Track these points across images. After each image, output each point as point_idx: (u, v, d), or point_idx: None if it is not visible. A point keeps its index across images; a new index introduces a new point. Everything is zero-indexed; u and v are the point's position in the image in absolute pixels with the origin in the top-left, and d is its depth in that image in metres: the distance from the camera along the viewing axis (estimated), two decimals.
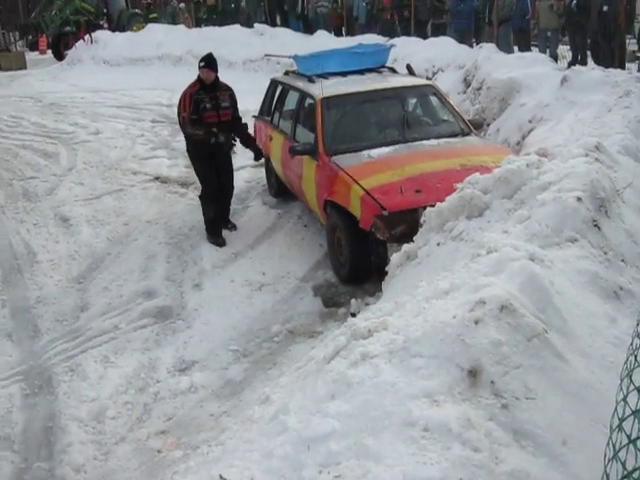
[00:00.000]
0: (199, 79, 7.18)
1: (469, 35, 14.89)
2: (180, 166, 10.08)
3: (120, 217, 8.35)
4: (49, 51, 27.62)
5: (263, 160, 8.86)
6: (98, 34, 24.08)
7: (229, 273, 6.67)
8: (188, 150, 7.54)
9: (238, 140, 7.53)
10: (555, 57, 12.21)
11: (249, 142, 7.75)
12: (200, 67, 7.21)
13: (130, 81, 18.17)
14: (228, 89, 7.34)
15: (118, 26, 26.40)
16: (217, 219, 7.49)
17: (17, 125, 14.01)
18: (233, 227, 7.67)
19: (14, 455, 4.36)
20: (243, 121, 7.61)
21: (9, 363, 5.38)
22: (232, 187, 7.70)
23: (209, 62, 7.18)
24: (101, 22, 27.32)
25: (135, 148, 11.56)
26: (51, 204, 8.92)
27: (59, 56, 25.56)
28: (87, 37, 23.65)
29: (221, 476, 2.63)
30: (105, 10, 27.34)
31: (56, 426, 4.59)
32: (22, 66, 24.92)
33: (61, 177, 10.08)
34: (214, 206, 7.41)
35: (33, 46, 30.27)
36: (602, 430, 2.45)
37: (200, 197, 7.56)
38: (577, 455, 2.45)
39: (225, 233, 7.46)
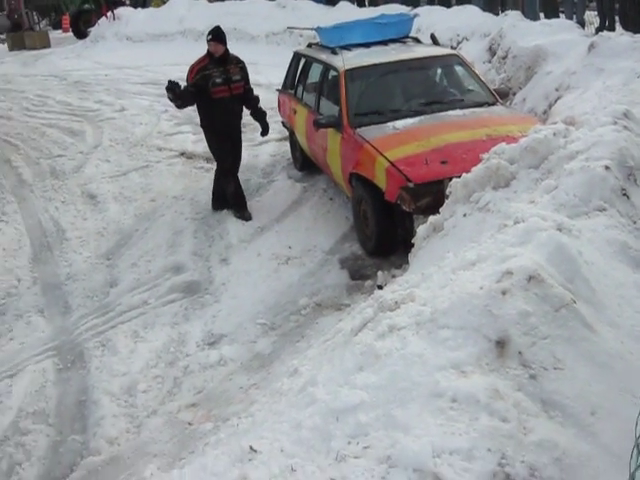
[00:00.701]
0: (208, 53, 7.09)
1: (496, 2, 14.64)
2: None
3: (147, 193, 8.41)
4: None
5: (287, 133, 8.86)
6: (120, 11, 24.10)
7: (256, 247, 6.70)
8: (202, 124, 7.44)
9: (249, 113, 7.46)
10: (582, 23, 11.98)
11: (259, 115, 7.59)
12: (208, 40, 7.07)
13: (153, 57, 18.20)
14: (239, 62, 7.25)
15: (137, 2, 26.29)
16: (240, 192, 7.47)
17: (43, 104, 14.12)
18: None
19: (49, 428, 4.45)
20: (255, 93, 7.51)
21: (42, 339, 5.48)
22: (240, 159, 7.63)
23: (217, 34, 7.04)
24: None
25: (160, 124, 11.60)
26: (78, 182, 9.01)
27: (79, 34, 25.62)
28: (110, 14, 23.67)
29: (251, 447, 2.67)
30: None
31: (89, 400, 4.67)
32: (46, 45, 25.07)
33: (87, 155, 10.17)
34: (233, 179, 7.39)
35: (56, 25, 30.40)
36: (632, 400, 2.45)
37: (218, 172, 7.51)
38: (606, 425, 2.45)
39: (250, 209, 7.46)
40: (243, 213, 7.35)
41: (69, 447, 4.28)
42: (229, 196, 7.46)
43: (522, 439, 2.36)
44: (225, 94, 7.03)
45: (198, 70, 6.98)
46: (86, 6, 26.28)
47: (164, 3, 24.74)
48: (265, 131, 7.74)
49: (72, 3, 26.20)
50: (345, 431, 2.56)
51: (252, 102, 7.46)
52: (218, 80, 6.97)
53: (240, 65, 7.23)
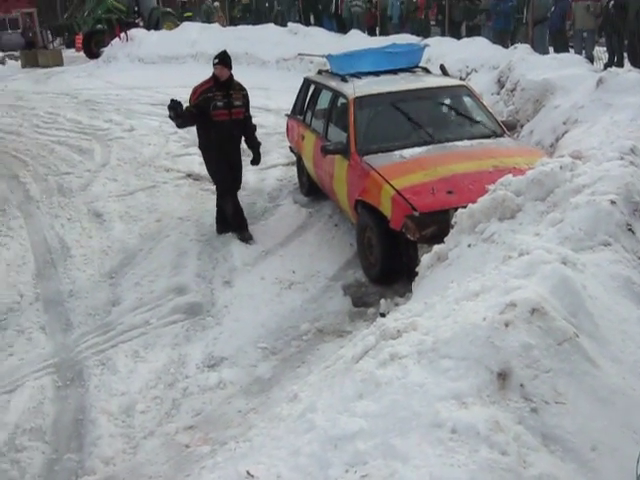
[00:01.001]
0: (213, 76, 7.11)
1: (507, 35, 14.77)
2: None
3: (152, 213, 8.43)
4: None
5: (295, 158, 8.90)
6: (133, 32, 24.32)
7: (259, 271, 6.69)
8: (201, 145, 7.45)
9: (243, 140, 7.46)
10: (591, 58, 12.07)
11: (253, 144, 7.58)
12: (214, 64, 7.09)
13: (164, 79, 18.34)
14: (242, 89, 7.27)
15: (150, 24, 26.55)
16: (240, 213, 7.46)
17: (53, 121, 14.22)
18: None
19: (45, 446, 4.42)
20: (254, 122, 7.53)
21: (42, 355, 5.46)
22: (240, 185, 7.64)
23: (223, 59, 7.06)
24: (136, 20, 27.50)
25: (168, 145, 11.66)
26: (85, 199, 9.04)
27: (91, 54, 25.86)
28: (123, 35, 23.90)
29: (248, 472, 2.65)
30: (136, 8, 27.45)
31: (86, 419, 4.64)
32: (59, 63, 25.32)
33: (95, 173, 10.21)
34: (232, 200, 7.41)
35: (70, 44, 30.69)
36: (633, 437, 2.43)
37: (218, 199, 7.53)
38: (607, 461, 2.43)
39: (255, 232, 7.48)
40: (244, 234, 7.35)
41: (64, 466, 4.25)
42: (229, 217, 7.47)
43: (522, 473, 2.34)
44: (225, 117, 7.07)
45: (201, 92, 7.03)
46: (99, 26, 26.56)
47: (177, 26, 24.99)
48: (256, 161, 7.69)
49: (85, 24, 26.42)
50: (343, 459, 2.54)
51: (249, 130, 7.47)
52: (219, 104, 7.01)
53: (243, 92, 7.26)
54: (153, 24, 26.58)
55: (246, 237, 7.33)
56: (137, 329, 5.76)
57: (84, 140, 12.34)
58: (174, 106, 6.87)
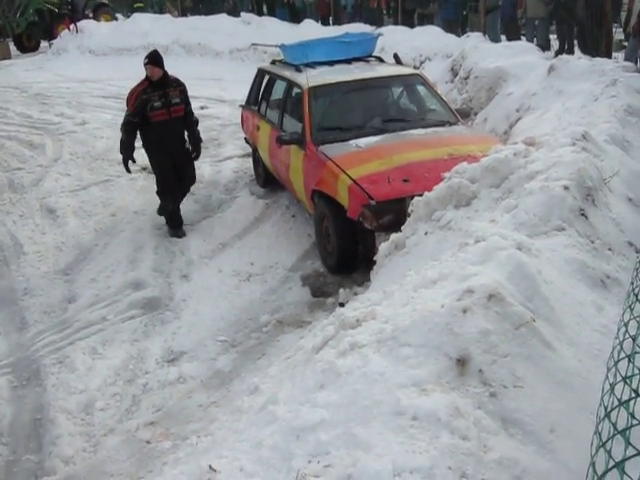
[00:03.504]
0: (147, 77, 7.00)
1: (457, 24, 14.89)
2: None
3: (107, 208, 8.32)
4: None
5: (251, 150, 8.86)
6: (84, 23, 23.84)
7: (217, 263, 6.66)
8: (144, 145, 7.33)
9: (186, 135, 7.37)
10: (543, 46, 12.21)
11: (195, 140, 7.45)
12: (145, 64, 6.95)
13: (116, 71, 18.03)
14: (179, 84, 7.17)
15: (84, 16, 25.73)
16: (176, 211, 7.46)
17: (2, 116, 13.91)
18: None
19: (2, 447, 4.35)
20: (194, 117, 7.48)
21: None
22: (194, 180, 7.67)
23: (153, 58, 6.94)
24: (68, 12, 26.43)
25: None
26: (37, 195, 8.88)
27: (23, 49, 25.24)
28: (72, 26, 23.42)
29: (210, 466, 2.63)
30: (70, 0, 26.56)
31: (45, 418, 4.58)
32: (6, 56, 24.67)
33: (47, 168, 10.03)
34: (171, 199, 7.40)
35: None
36: (589, 418, 2.47)
37: (157, 192, 7.49)
38: (565, 442, 2.47)
39: (212, 225, 7.44)
40: (177, 231, 7.36)
41: (23, 467, 4.18)
42: (166, 214, 7.48)
43: (482, 457, 2.36)
44: (164, 117, 6.99)
45: (137, 95, 6.93)
46: (32, 19, 25.49)
47: (113, 18, 24.58)
48: (195, 157, 7.56)
49: (19, 26, 25.34)
50: (306, 450, 2.54)
51: (191, 126, 7.38)
52: (157, 104, 6.93)
53: (180, 88, 7.15)
54: (86, 17, 25.74)
55: (179, 234, 7.32)
56: (94, 326, 5.69)
57: (35, 135, 12.10)
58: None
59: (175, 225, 7.43)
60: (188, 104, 7.29)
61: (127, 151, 7.16)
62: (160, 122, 6.97)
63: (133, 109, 6.95)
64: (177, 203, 7.46)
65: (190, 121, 7.36)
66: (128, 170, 7.35)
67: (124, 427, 4.45)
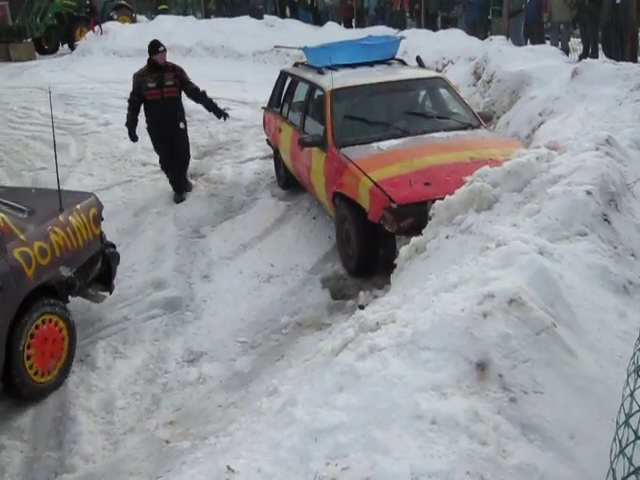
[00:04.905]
0: (147, 63, 8.14)
1: (481, 27, 14.82)
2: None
3: (129, 208, 8.38)
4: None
5: (272, 152, 8.88)
6: (108, 25, 24.02)
7: (237, 265, 6.68)
8: (147, 128, 8.38)
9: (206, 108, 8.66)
10: (567, 50, 12.14)
11: (210, 106, 8.59)
12: (161, 51, 8.09)
13: None
14: (175, 69, 8.22)
15: (103, 19, 25.77)
16: (176, 180, 8.54)
17: (27, 116, 14.04)
18: (189, 187, 8.76)
19: (23, 444, 4.38)
20: (201, 90, 8.42)
21: None
22: (187, 155, 8.67)
23: (163, 46, 8.20)
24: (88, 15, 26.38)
25: (144, 139, 11.49)
26: None
27: (41, 51, 25.46)
28: (97, 28, 23.60)
29: (229, 467, 2.64)
30: (88, 2, 26.24)
31: (65, 416, 4.61)
32: (31, 57, 24.89)
33: (71, 168, 10.10)
34: (170, 171, 8.54)
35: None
36: (610, 424, 2.44)
37: (160, 164, 8.68)
38: (585, 449, 2.45)
39: (233, 226, 7.48)
40: (177, 195, 8.45)
41: (43, 463, 4.21)
42: (170, 183, 8.60)
43: (501, 462, 2.35)
44: (157, 96, 8.04)
45: (136, 78, 8.12)
46: (52, 22, 25.59)
47: (132, 20, 24.78)
48: (223, 116, 8.73)
49: (37, 30, 25.50)
50: (324, 452, 2.54)
51: (202, 98, 8.46)
52: (151, 85, 8.02)
53: (175, 72, 8.19)
54: (106, 18, 25.82)
55: (176, 199, 8.39)
56: (116, 325, 5.73)
57: (59, 135, 12.15)
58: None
59: (177, 190, 8.52)
60: (187, 84, 8.29)
61: (130, 123, 8.39)
62: (154, 101, 8.05)
63: (132, 89, 8.16)
64: (177, 174, 8.56)
65: (199, 94, 8.42)
66: (133, 139, 8.58)
67: (144, 426, 4.48)
